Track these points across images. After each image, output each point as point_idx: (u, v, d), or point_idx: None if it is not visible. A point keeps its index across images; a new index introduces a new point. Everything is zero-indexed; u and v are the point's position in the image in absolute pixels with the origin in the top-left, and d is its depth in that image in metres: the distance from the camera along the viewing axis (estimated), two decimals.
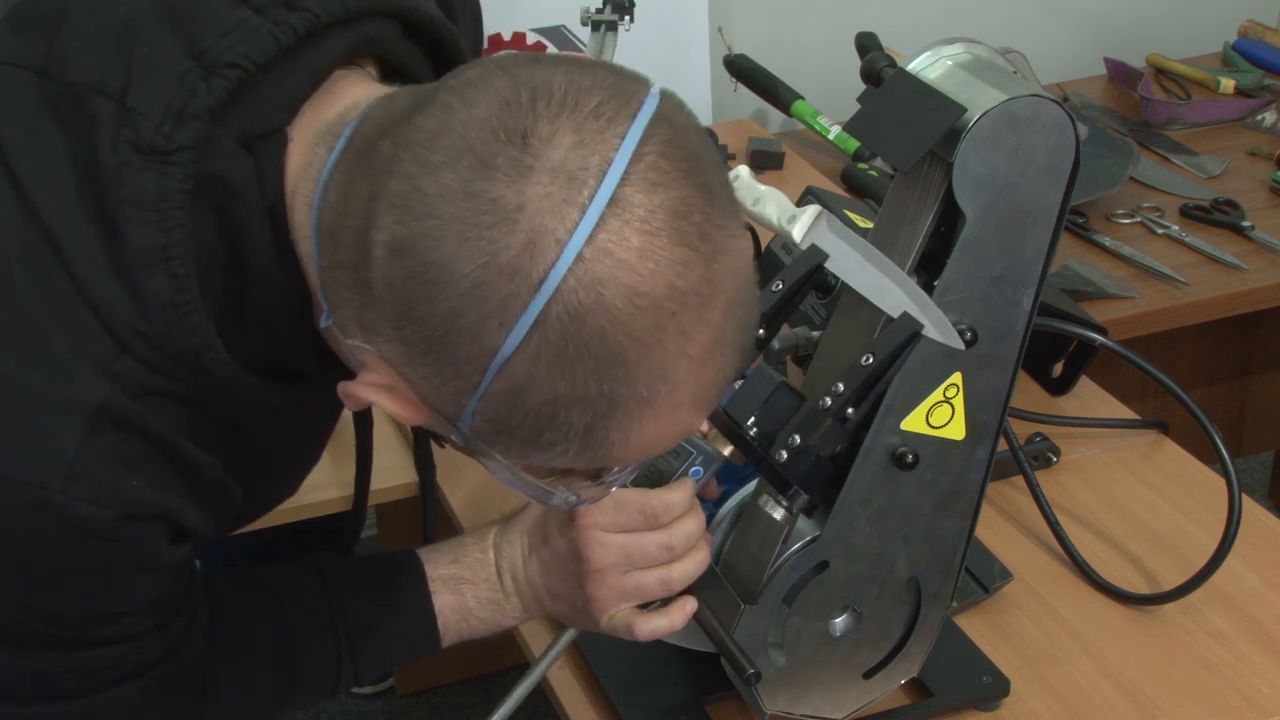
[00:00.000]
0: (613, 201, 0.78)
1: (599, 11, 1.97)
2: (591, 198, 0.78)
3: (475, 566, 1.18)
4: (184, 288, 0.88)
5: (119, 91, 0.88)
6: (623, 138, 0.79)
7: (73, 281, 0.87)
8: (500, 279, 0.78)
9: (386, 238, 0.80)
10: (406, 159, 0.81)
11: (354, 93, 0.94)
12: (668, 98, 0.84)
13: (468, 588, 1.17)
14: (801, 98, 2.38)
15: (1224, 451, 1.39)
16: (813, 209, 1.18)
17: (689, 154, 0.82)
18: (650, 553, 1.13)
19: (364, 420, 1.30)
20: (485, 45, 1.40)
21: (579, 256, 0.78)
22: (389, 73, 1.01)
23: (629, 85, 0.83)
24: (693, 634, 1.18)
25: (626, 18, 1.96)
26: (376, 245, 0.81)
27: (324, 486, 1.54)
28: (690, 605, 1.14)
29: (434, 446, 1.42)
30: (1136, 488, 1.56)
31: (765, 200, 1.22)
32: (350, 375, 0.90)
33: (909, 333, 1.06)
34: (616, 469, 0.93)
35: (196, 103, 0.88)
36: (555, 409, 0.81)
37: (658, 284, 0.79)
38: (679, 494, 1.13)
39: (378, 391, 0.86)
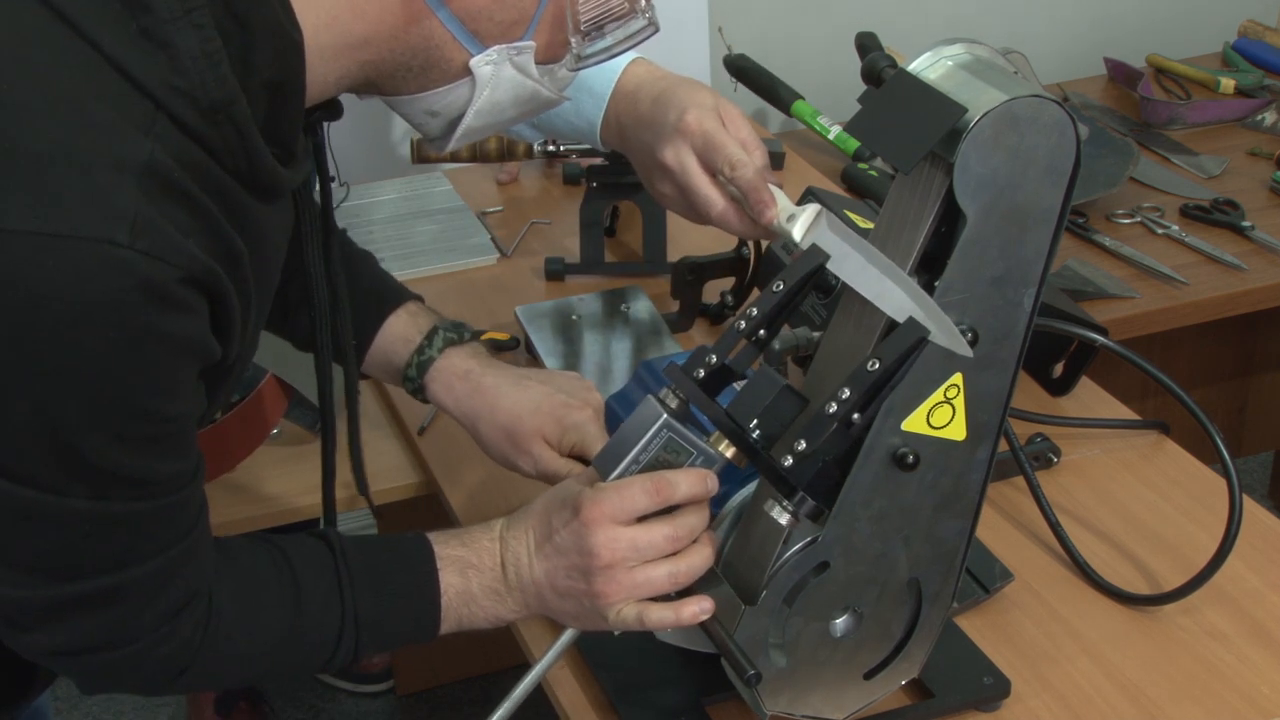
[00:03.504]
0: None
1: None
2: None
3: (482, 554, 1.18)
4: (209, 38, 0.93)
5: None
6: None
7: (99, 52, 0.91)
8: None
9: None
10: None
11: None
12: None
13: (473, 573, 1.18)
14: (801, 98, 2.37)
15: (1224, 451, 1.39)
16: (812, 208, 1.18)
17: None
18: (657, 543, 1.13)
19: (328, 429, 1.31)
20: None
21: None
22: None
23: None
24: (693, 634, 1.18)
25: None
26: None
27: (309, 492, 1.56)
28: (707, 604, 1.14)
29: (416, 440, 1.41)
30: (1137, 488, 1.56)
31: None
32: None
33: (915, 338, 1.06)
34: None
35: None
36: None
37: None
38: (683, 475, 1.14)
39: None
